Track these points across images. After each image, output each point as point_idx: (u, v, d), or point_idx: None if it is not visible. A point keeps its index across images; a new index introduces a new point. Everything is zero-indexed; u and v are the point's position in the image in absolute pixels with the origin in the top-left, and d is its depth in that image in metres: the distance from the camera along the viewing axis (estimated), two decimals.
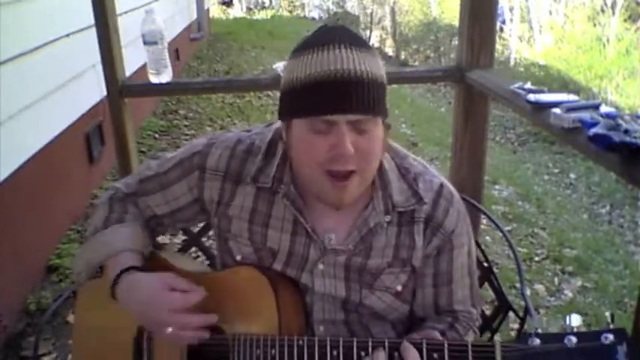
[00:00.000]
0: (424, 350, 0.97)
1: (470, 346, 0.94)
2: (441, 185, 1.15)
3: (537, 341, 0.88)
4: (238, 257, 1.17)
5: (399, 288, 1.15)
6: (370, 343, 1.00)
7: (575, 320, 0.88)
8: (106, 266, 1.15)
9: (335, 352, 1.02)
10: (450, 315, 1.19)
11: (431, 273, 1.16)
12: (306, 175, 1.06)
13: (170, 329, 1.05)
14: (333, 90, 0.94)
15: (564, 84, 9.70)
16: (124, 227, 1.18)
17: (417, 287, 1.18)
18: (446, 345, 0.96)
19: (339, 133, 0.96)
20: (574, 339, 0.86)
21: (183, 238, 1.70)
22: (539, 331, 0.89)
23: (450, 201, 1.15)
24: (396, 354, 0.98)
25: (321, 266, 1.13)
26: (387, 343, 1.00)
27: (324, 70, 0.94)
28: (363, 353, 1.00)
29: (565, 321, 0.89)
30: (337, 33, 0.99)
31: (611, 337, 0.85)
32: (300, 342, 1.04)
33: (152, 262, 1.23)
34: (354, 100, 0.94)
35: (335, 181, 1.01)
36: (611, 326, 0.87)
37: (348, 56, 0.95)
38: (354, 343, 1.01)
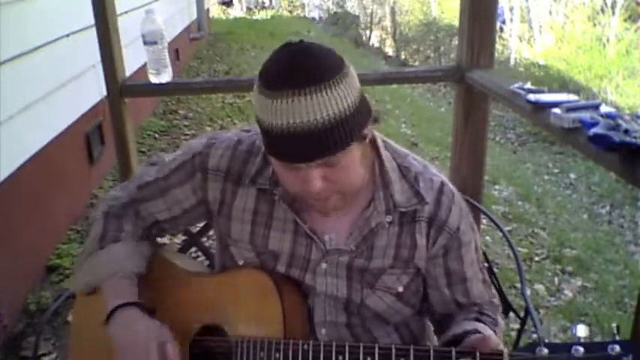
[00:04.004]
0: (431, 358, 0.97)
1: (478, 354, 0.94)
2: (442, 183, 1.16)
3: (545, 351, 0.89)
4: (240, 262, 1.17)
5: (401, 289, 1.14)
6: (377, 349, 1.00)
7: (581, 331, 0.89)
8: (102, 290, 1.15)
9: (340, 358, 1.01)
10: (474, 307, 1.19)
11: (442, 274, 1.16)
12: (291, 194, 1.09)
13: None
14: (290, 143, 0.93)
15: (564, 84, 9.71)
16: (119, 246, 1.17)
17: (432, 290, 1.18)
18: (453, 353, 0.96)
19: (305, 174, 0.98)
20: (581, 349, 0.87)
21: (183, 238, 1.70)
22: (546, 340, 0.91)
23: (451, 199, 1.15)
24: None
25: (324, 265, 1.13)
26: (393, 350, 0.99)
27: (280, 123, 0.92)
28: (369, 359, 1.00)
29: (572, 331, 0.90)
30: (295, 69, 0.94)
31: (617, 348, 0.86)
32: (305, 346, 1.03)
33: (155, 264, 1.23)
34: (311, 150, 0.94)
35: (315, 200, 1.04)
36: (617, 337, 0.88)
37: (302, 105, 0.91)
38: (361, 349, 1.00)
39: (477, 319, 1.13)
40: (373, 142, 1.13)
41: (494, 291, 1.27)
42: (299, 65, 0.94)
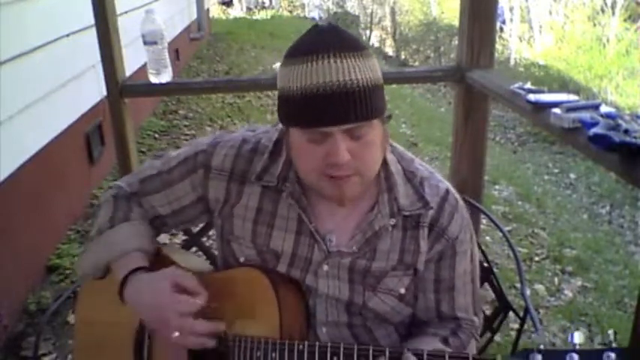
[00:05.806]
0: None
1: (471, 358, 0.94)
2: (447, 191, 1.15)
3: (539, 357, 0.87)
4: (241, 259, 1.17)
5: (403, 291, 1.14)
6: (371, 351, 1.00)
7: (578, 338, 0.87)
8: (113, 267, 1.15)
9: (335, 358, 1.01)
10: (452, 322, 1.18)
11: (432, 279, 1.16)
12: (306, 178, 1.07)
13: (177, 333, 1.04)
14: (325, 103, 0.95)
15: (564, 84, 9.72)
16: (130, 226, 1.18)
17: (418, 292, 1.18)
18: (447, 357, 0.96)
19: (333, 142, 0.98)
20: (576, 357, 0.85)
21: (184, 238, 1.70)
22: (542, 347, 0.88)
23: (455, 207, 1.15)
24: None
25: (325, 267, 1.12)
26: (387, 353, 0.99)
27: (316, 83, 0.94)
28: None
29: (569, 339, 0.87)
30: (326, 38, 0.98)
31: (613, 356, 0.84)
32: (301, 346, 1.04)
33: (155, 262, 1.23)
34: (346, 112, 0.95)
35: (334, 180, 1.02)
36: (614, 344, 0.86)
37: (338, 66, 0.95)
38: (355, 350, 1.00)
39: (445, 340, 1.13)
40: None
41: (481, 306, 1.25)
42: (334, 34, 0.99)
